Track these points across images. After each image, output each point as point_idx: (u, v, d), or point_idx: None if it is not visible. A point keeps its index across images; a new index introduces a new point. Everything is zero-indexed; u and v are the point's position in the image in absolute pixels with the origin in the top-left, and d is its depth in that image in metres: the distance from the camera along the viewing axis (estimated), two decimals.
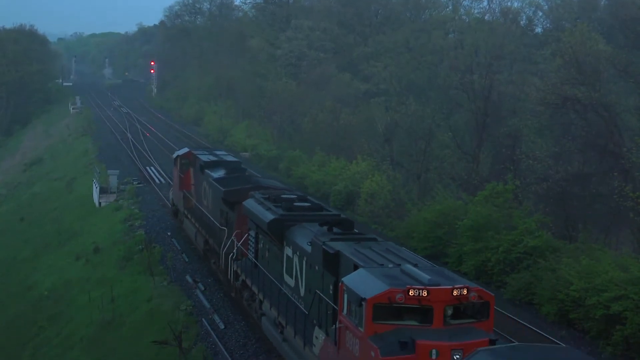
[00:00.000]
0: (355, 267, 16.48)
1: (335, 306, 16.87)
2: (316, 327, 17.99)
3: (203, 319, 26.11)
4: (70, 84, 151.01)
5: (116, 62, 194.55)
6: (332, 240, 18.40)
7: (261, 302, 22.84)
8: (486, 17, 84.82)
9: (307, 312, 18.58)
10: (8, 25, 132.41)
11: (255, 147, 60.87)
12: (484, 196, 32.77)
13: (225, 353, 23.10)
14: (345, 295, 16.01)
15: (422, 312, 15.08)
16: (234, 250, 25.84)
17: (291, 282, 20.38)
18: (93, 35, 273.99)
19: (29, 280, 43.08)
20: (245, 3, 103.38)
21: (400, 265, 16.50)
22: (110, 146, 68.29)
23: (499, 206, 31.83)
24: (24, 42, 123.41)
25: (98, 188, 48.62)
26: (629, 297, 22.71)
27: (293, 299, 19.88)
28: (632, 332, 22.22)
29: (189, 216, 34.06)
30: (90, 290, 34.68)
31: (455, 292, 15.13)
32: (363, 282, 15.54)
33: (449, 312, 15.23)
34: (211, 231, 29.48)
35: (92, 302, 33.06)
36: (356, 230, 20.30)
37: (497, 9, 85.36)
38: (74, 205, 53.13)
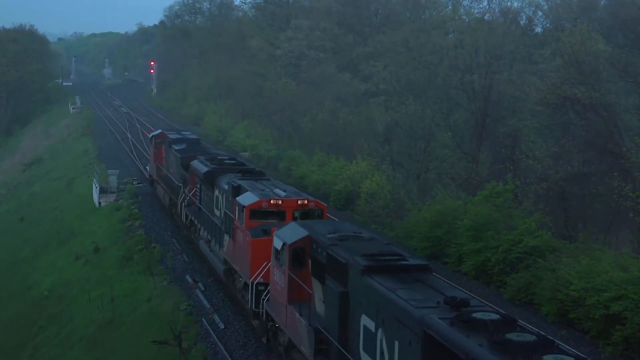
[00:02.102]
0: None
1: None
2: (225, 234, 26.95)
3: (203, 319, 26.13)
4: (70, 83, 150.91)
5: (116, 62, 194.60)
6: (240, 179, 27.21)
7: (199, 230, 32.20)
8: (486, 17, 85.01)
9: (220, 226, 27.66)
10: (8, 25, 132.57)
11: (254, 147, 60.79)
12: (484, 196, 32.77)
13: (225, 353, 23.12)
14: (237, 207, 24.96)
15: (279, 214, 23.91)
16: (186, 200, 34.48)
17: (217, 213, 28.67)
18: (93, 35, 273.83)
19: (28, 280, 43.08)
20: (245, 3, 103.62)
21: (273, 189, 25.68)
22: (110, 146, 68.27)
23: (498, 206, 31.82)
24: (24, 42, 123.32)
25: (98, 188, 48.62)
26: (628, 297, 22.70)
27: (217, 223, 28.31)
28: (632, 332, 22.21)
29: (160, 182, 42.79)
30: (90, 290, 34.70)
31: (299, 202, 24.08)
32: (246, 198, 24.57)
33: (296, 214, 23.75)
34: (173, 190, 38.37)
35: (92, 302, 33.08)
36: (268, 178, 29.00)
37: (497, 9, 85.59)
38: (74, 205, 53.13)
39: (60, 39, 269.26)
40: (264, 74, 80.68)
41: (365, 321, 15.81)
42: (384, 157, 48.26)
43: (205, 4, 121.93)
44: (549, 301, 25.73)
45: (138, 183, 49.68)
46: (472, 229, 30.86)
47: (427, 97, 57.49)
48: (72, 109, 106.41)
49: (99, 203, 48.10)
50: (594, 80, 36.43)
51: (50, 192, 62.09)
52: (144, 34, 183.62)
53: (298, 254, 19.35)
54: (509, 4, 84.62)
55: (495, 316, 12.91)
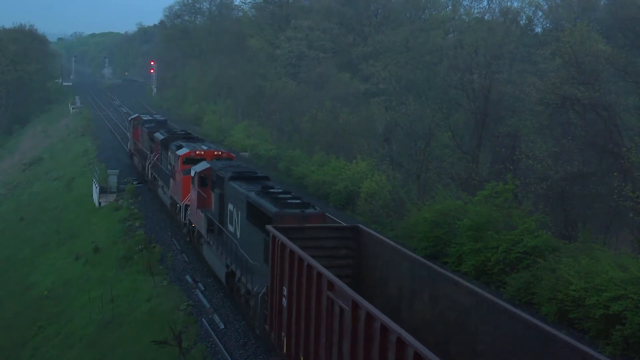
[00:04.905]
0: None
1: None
2: (170, 179, 37.85)
3: (203, 319, 26.12)
4: (70, 83, 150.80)
5: (116, 62, 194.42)
6: (182, 142, 38.38)
7: (158, 181, 42.91)
8: (486, 17, 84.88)
9: (169, 175, 38.20)
10: (8, 25, 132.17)
11: (254, 147, 60.77)
12: (484, 196, 32.77)
13: (225, 353, 23.11)
14: (175, 157, 36.09)
15: (202, 160, 32.78)
16: (151, 162, 45.51)
17: (169, 166, 38.59)
18: (93, 35, 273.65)
19: (28, 280, 43.06)
20: (244, 3, 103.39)
21: (201, 146, 36.93)
22: (110, 146, 68.27)
23: (498, 206, 31.81)
24: (24, 42, 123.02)
25: (98, 188, 48.61)
26: (628, 297, 22.69)
27: (167, 173, 38.90)
28: (632, 332, 22.20)
29: (136, 154, 54.11)
30: (90, 290, 34.70)
31: (215, 152, 35.40)
32: (181, 150, 35.81)
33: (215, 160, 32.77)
34: (144, 158, 48.95)
35: (92, 302, 33.07)
36: (203, 140, 41.43)
37: (496, 9, 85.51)
38: (74, 205, 53.12)
39: (60, 39, 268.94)
40: (263, 74, 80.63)
41: (230, 207, 26.56)
42: (384, 157, 48.24)
43: (205, 4, 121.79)
44: (548, 301, 25.72)
45: (138, 183, 49.66)
46: (472, 229, 30.85)
47: (427, 97, 57.34)
48: (72, 108, 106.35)
49: (99, 203, 48.09)
50: (594, 80, 36.40)
51: (50, 191, 62.07)
52: (144, 34, 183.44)
53: (203, 178, 30.46)
54: (509, 4, 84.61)
55: (280, 190, 24.38)
